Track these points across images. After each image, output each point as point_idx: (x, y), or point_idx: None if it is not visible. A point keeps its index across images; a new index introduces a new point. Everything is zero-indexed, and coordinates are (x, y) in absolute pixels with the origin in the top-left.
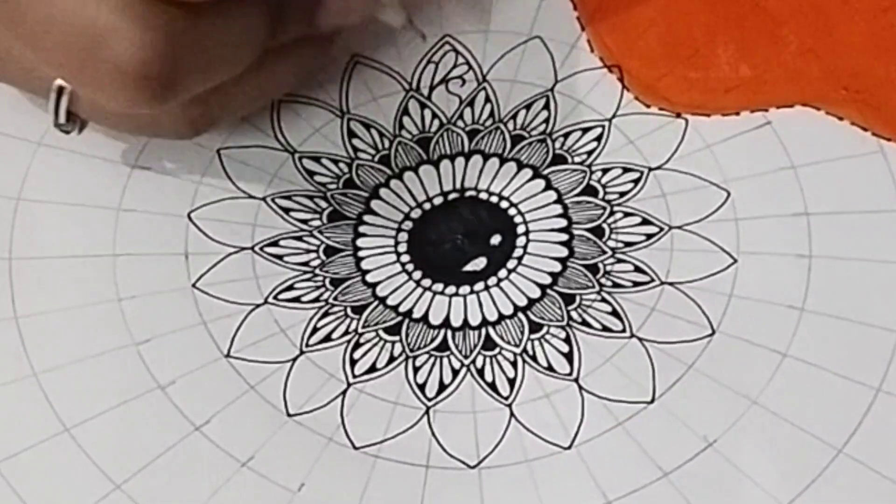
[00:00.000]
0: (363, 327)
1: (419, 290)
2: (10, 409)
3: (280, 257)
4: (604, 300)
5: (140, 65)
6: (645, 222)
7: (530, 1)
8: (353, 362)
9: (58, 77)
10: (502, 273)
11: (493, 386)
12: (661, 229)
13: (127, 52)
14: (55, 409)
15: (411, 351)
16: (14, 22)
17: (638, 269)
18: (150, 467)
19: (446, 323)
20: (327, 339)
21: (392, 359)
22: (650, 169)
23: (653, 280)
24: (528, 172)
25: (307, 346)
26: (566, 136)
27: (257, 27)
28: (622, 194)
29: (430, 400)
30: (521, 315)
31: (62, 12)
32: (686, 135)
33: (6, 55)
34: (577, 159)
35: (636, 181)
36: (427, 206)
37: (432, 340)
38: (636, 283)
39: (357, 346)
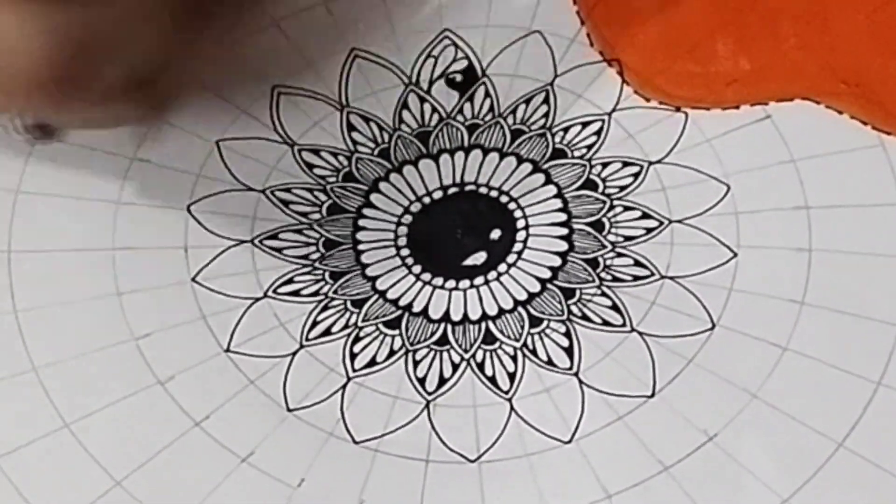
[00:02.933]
0: (363, 321)
1: (419, 284)
2: (9, 404)
3: (279, 250)
4: (604, 294)
5: (46, 68)
6: (645, 216)
7: None
8: (353, 356)
9: None
10: (502, 267)
11: (493, 380)
12: (661, 223)
13: (32, 60)
14: (55, 404)
15: (411, 345)
16: None
17: (638, 264)
18: (150, 463)
19: (446, 317)
20: (327, 332)
21: (392, 353)
22: (650, 163)
23: (653, 274)
24: (527, 167)
25: (307, 339)
26: (566, 130)
27: (160, 12)
28: (622, 188)
29: (430, 394)
30: (520, 309)
31: None
32: (686, 128)
33: None
34: (576, 153)
35: (636, 175)
36: (427, 200)
37: (432, 334)
38: (636, 278)
39: (357, 339)
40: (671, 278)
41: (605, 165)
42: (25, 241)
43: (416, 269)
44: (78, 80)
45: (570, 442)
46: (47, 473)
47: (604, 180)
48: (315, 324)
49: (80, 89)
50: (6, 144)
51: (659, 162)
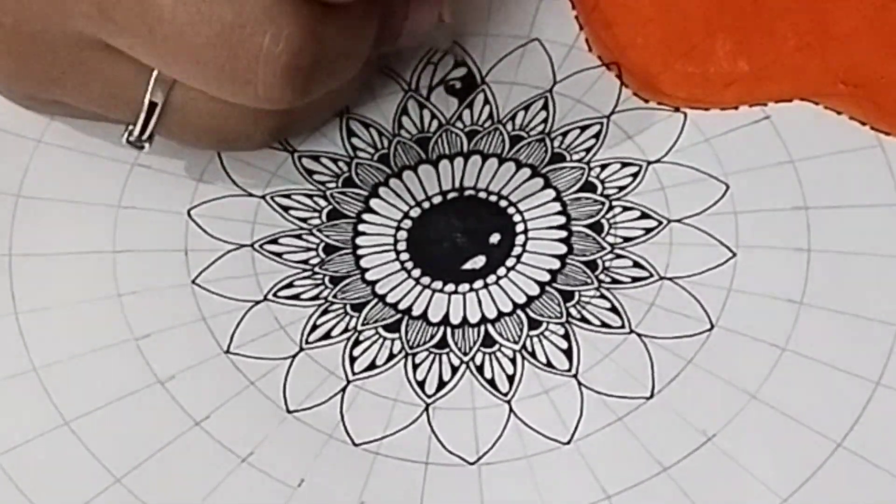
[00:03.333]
0: (363, 325)
1: (418, 287)
2: (9, 402)
3: (279, 255)
4: (602, 296)
5: (291, 58)
6: (644, 216)
7: (529, 3)
8: (353, 359)
9: (193, 80)
10: (501, 271)
11: (492, 382)
12: (660, 223)
13: (278, 45)
14: (55, 402)
15: (411, 348)
16: (146, 32)
17: (637, 265)
18: (149, 462)
19: (445, 320)
20: (327, 336)
21: (391, 356)
22: (649, 162)
23: (651, 275)
24: (526, 172)
25: (307, 343)
26: (564, 134)
27: (369, 36)
28: (621, 188)
29: (429, 397)
30: (520, 312)
31: (209, 11)
32: (685, 128)
33: (97, 74)
34: (575, 157)
35: (635, 175)
36: (426, 204)
37: (432, 338)
38: (635, 279)
39: (356, 343)
40: (670, 279)
41: (603, 167)
42: (26, 244)
43: (416, 273)
44: (309, 76)
45: (569, 443)
46: (47, 471)
47: (602, 182)
48: (315, 327)
49: (308, 84)
50: (8, 148)
51: (658, 161)
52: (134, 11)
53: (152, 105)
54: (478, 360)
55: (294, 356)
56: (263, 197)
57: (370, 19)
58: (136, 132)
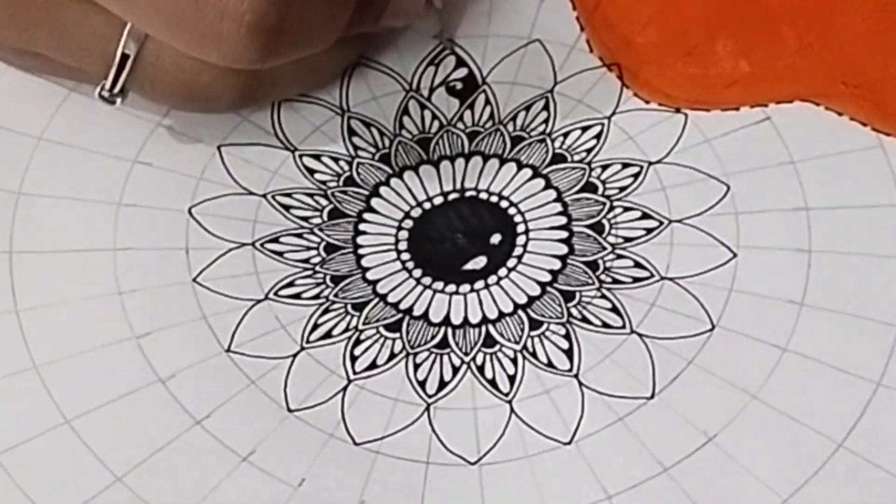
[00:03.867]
0: (363, 324)
1: (419, 287)
2: (10, 401)
3: (280, 254)
4: (603, 296)
5: (256, 17)
6: (645, 216)
7: (530, 4)
8: (354, 359)
9: (160, 32)
10: (502, 272)
11: (493, 383)
12: (661, 223)
13: (244, 3)
14: (56, 401)
15: (412, 348)
16: None
17: (637, 265)
18: (150, 460)
19: (446, 321)
20: (328, 335)
21: (392, 356)
22: (650, 163)
23: (652, 276)
24: (527, 172)
25: (308, 342)
26: (566, 135)
27: (346, 7)
28: (622, 189)
29: (430, 397)
30: (521, 312)
31: None
32: (686, 129)
33: (71, 25)
34: (576, 157)
35: (636, 175)
36: (427, 205)
37: (433, 338)
38: (636, 279)
39: (357, 342)
40: (671, 279)
41: (604, 167)
42: (27, 241)
43: (417, 273)
44: (277, 38)
45: (570, 443)
46: (48, 469)
47: (603, 182)
48: (316, 326)
49: (275, 46)
50: (9, 145)
51: (659, 162)
52: None
53: (124, 57)
54: (479, 361)
55: (295, 355)
56: (264, 195)
57: None
58: (108, 85)
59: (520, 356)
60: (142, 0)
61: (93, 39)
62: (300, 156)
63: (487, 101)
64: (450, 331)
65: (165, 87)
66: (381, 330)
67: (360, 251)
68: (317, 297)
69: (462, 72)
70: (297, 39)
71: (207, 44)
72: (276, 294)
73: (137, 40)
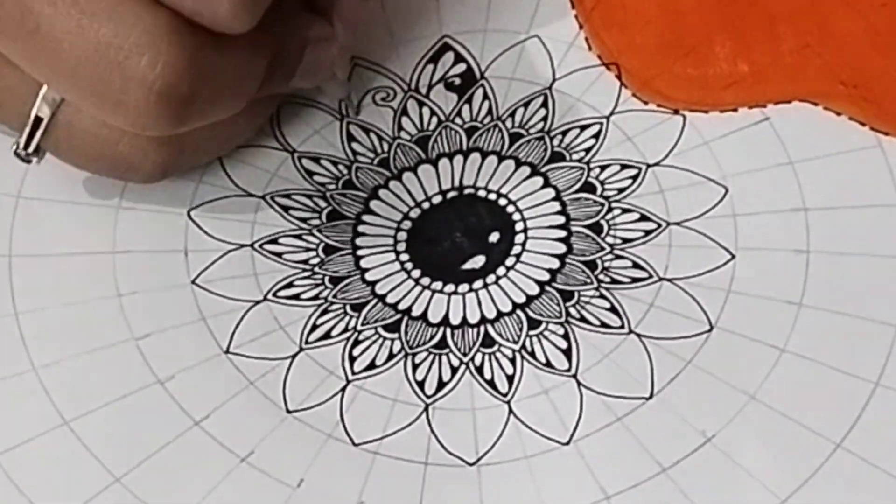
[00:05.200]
0: (362, 325)
1: (418, 288)
2: (9, 402)
3: (279, 255)
4: (602, 296)
5: (165, 85)
6: (643, 218)
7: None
8: (353, 359)
9: (68, 95)
10: (501, 271)
11: (491, 383)
12: (660, 225)
13: (154, 70)
14: (55, 402)
15: (410, 348)
16: (24, 38)
17: (636, 266)
18: (149, 461)
19: (445, 321)
20: (327, 336)
21: (391, 356)
22: (648, 165)
23: (651, 276)
24: (526, 170)
25: (306, 343)
26: (564, 133)
27: (258, 72)
28: (620, 190)
29: (429, 397)
30: (519, 312)
31: (89, 27)
32: (684, 131)
33: None
34: (575, 156)
35: (634, 177)
36: (426, 205)
37: (431, 338)
38: (634, 280)
39: (356, 343)
40: (669, 280)
41: (603, 168)
42: (26, 245)
43: (416, 273)
44: (186, 105)
45: (568, 443)
46: (47, 470)
47: (602, 183)
48: (315, 327)
49: (184, 113)
50: (7, 149)
51: (657, 164)
52: (13, 16)
53: (38, 119)
54: (477, 361)
55: (294, 356)
56: (263, 197)
57: (259, 54)
58: (21, 145)
59: (518, 356)
60: (53, 62)
61: (8, 96)
62: (299, 157)
63: (486, 96)
64: (448, 331)
65: (81, 154)
66: (380, 330)
67: (359, 252)
68: (315, 297)
69: (460, 67)
70: (208, 105)
71: (117, 110)
72: (274, 295)
73: (52, 104)
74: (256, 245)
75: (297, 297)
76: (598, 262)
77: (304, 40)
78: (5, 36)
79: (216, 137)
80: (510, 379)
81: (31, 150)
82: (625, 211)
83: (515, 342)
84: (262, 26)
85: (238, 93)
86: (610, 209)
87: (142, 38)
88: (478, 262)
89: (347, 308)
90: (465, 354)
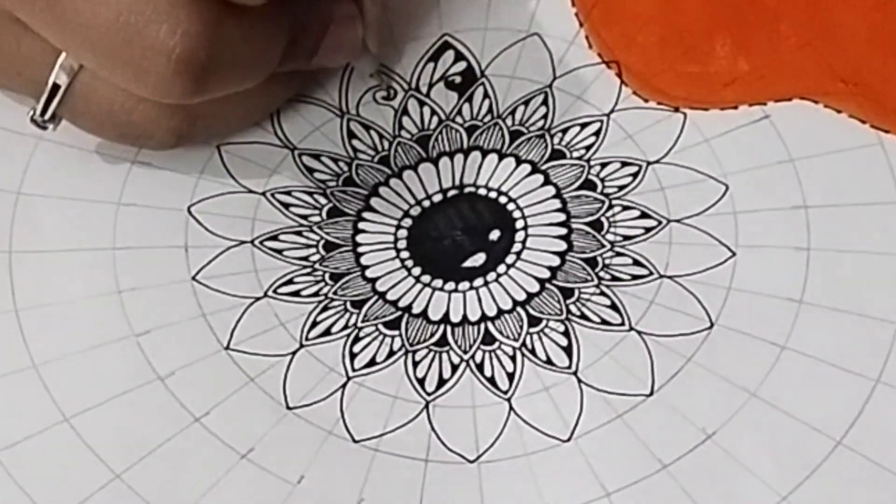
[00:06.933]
0: (363, 322)
1: (419, 285)
2: (9, 399)
3: (280, 251)
4: (602, 294)
5: (184, 52)
6: (644, 216)
7: None
8: (353, 356)
9: (88, 62)
10: (501, 268)
11: (492, 380)
12: (660, 223)
13: (174, 38)
14: (55, 399)
15: (411, 345)
16: (45, 5)
17: (636, 263)
18: (149, 457)
19: (446, 318)
20: (327, 332)
21: (392, 353)
22: (649, 163)
23: (651, 273)
24: (526, 168)
25: (307, 339)
26: (564, 131)
27: (277, 46)
28: (621, 188)
29: (429, 394)
30: (519, 309)
31: None
32: (684, 129)
33: (5, 46)
34: (575, 154)
35: (635, 175)
36: (426, 203)
37: (432, 335)
38: (635, 277)
39: (357, 340)
40: (670, 277)
41: (603, 165)
42: (27, 241)
43: (416, 271)
44: (203, 74)
45: (568, 441)
46: (47, 467)
47: (602, 180)
48: (315, 324)
49: (202, 82)
50: (8, 146)
51: (657, 162)
52: None
53: (55, 87)
54: (478, 358)
55: (294, 353)
56: (264, 193)
57: (279, 28)
58: (38, 111)
59: (519, 353)
60: (74, 30)
61: (26, 64)
62: (299, 155)
63: (486, 95)
64: (449, 328)
65: (96, 121)
66: (381, 327)
67: (360, 249)
68: (316, 294)
69: (461, 66)
70: (226, 75)
71: (136, 77)
72: (275, 292)
73: (69, 72)
74: (257, 241)
75: (297, 293)
76: (599, 259)
77: (329, 18)
78: (26, 4)
79: (231, 112)
80: (510, 376)
81: (47, 116)
82: (625, 208)
83: (516, 339)
84: (284, 1)
85: (257, 64)
86: (610, 206)
87: (161, 6)
88: (478, 259)
89: (348, 305)
90: (465, 352)
